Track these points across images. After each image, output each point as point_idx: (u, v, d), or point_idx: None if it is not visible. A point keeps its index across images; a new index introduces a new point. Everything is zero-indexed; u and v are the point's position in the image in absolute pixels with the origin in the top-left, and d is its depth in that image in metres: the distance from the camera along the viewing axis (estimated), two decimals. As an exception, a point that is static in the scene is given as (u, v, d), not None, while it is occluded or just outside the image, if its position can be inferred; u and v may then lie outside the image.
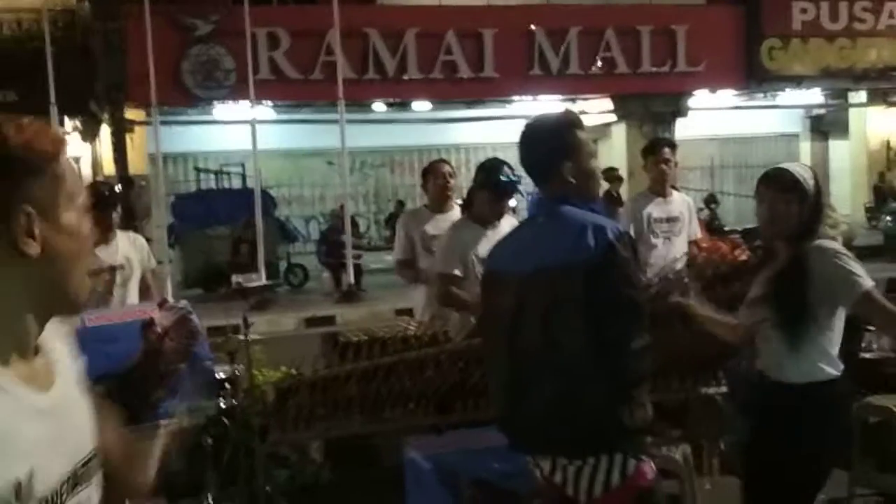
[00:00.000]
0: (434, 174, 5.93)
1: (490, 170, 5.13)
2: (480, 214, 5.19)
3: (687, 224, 6.42)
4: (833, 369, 3.27)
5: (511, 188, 5.06)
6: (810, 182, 3.30)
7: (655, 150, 6.44)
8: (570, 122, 2.94)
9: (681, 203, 6.52)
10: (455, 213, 5.95)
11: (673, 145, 6.58)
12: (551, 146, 2.88)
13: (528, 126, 2.99)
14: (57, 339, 1.58)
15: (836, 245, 3.29)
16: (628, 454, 2.76)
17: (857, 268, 3.19)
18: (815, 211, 3.30)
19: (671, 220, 6.36)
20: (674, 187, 6.72)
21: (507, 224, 5.15)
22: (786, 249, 3.31)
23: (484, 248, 5.03)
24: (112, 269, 5.33)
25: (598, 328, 2.67)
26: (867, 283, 3.17)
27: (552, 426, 2.79)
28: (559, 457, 2.81)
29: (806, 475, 3.29)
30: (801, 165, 3.53)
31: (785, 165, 3.45)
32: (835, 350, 3.30)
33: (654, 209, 6.35)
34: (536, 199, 3.00)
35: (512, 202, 5.51)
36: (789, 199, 3.26)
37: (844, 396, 3.42)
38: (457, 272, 5.10)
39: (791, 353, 3.22)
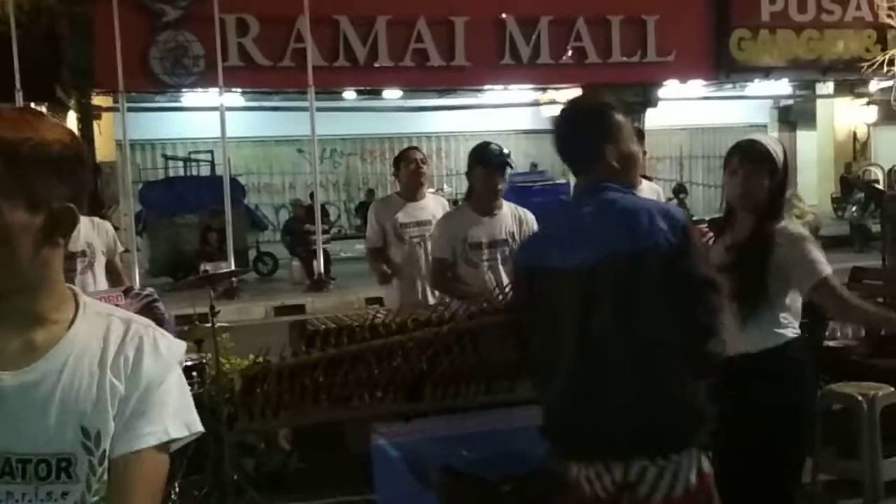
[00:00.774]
0: (406, 161, 5.93)
1: (480, 148, 5.23)
2: (478, 200, 5.23)
3: None
4: (786, 332, 3.29)
5: (502, 162, 5.14)
6: (780, 154, 3.34)
7: None
8: (609, 105, 2.86)
9: (649, 192, 6.53)
10: (428, 200, 5.96)
11: (641, 135, 6.62)
12: (594, 128, 2.76)
13: (566, 110, 2.88)
14: (100, 337, 1.54)
15: (802, 229, 3.33)
16: (702, 449, 2.63)
17: (818, 254, 3.23)
18: (782, 183, 3.33)
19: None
20: (644, 176, 6.75)
21: (508, 211, 5.21)
22: (749, 221, 3.33)
23: (477, 234, 5.11)
24: (72, 256, 5.24)
25: (684, 314, 2.56)
26: (826, 269, 3.21)
27: (635, 425, 2.58)
28: (639, 459, 2.59)
29: (784, 447, 3.28)
30: (770, 137, 3.57)
31: (756, 137, 3.48)
32: (790, 321, 3.31)
33: None
34: (578, 191, 2.85)
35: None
36: (761, 172, 3.29)
37: (804, 357, 3.39)
38: (448, 256, 5.13)
39: (742, 326, 3.24)
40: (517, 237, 5.08)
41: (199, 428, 1.59)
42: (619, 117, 2.80)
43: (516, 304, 3.01)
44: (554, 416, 2.77)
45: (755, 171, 3.29)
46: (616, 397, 2.59)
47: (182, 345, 1.64)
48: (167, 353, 1.57)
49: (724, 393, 3.08)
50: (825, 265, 3.22)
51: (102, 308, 1.61)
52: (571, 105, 2.93)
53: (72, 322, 1.53)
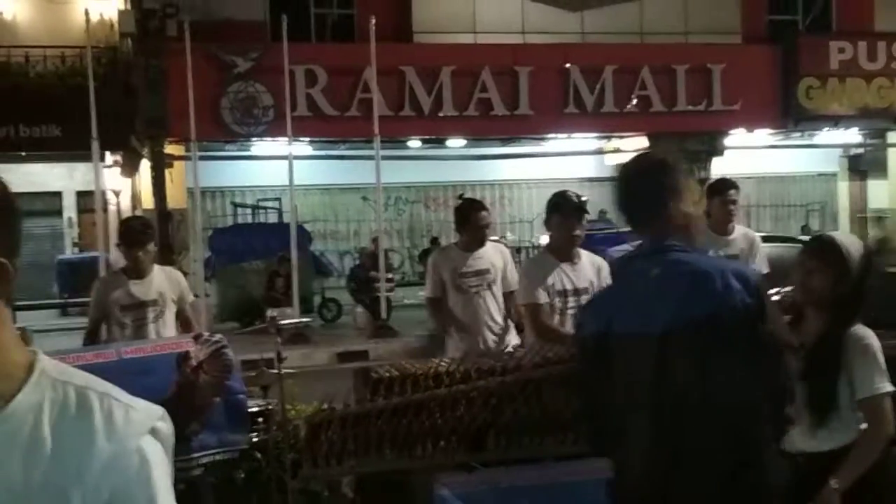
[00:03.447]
0: (474, 222, 5.94)
1: (557, 195, 5.27)
2: (557, 246, 5.26)
3: (746, 261, 6.30)
4: (863, 426, 3.18)
5: (579, 209, 5.18)
6: (855, 254, 3.15)
7: (722, 192, 6.30)
8: (675, 163, 2.79)
9: (742, 241, 6.35)
10: (487, 249, 5.99)
11: (737, 186, 6.45)
12: (661, 185, 2.68)
13: (632, 165, 2.84)
14: (38, 413, 1.23)
15: (872, 336, 3.16)
16: None
17: (880, 365, 3.09)
18: (858, 290, 3.15)
19: (728, 258, 6.28)
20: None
21: (588, 260, 5.26)
22: (818, 322, 3.19)
23: (559, 281, 5.13)
24: (144, 305, 5.41)
25: (763, 376, 2.51)
26: (884, 386, 3.06)
27: (731, 492, 2.52)
28: None
29: None
30: (853, 238, 3.36)
31: (836, 236, 3.31)
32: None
33: (712, 247, 6.26)
34: (640, 250, 2.76)
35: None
36: (827, 273, 3.13)
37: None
38: (542, 300, 5.13)
39: (814, 428, 3.13)
40: (595, 286, 5.09)
41: None
42: (685, 178, 2.74)
43: (582, 366, 2.91)
44: (628, 480, 2.67)
45: (821, 271, 3.14)
46: (711, 467, 2.52)
47: (150, 410, 1.28)
48: (124, 425, 1.23)
49: (803, 489, 2.99)
50: (883, 381, 3.08)
51: (64, 374, 1.28)
52: (638, 159, 2.89)
53: (15, 394, 1.23)
